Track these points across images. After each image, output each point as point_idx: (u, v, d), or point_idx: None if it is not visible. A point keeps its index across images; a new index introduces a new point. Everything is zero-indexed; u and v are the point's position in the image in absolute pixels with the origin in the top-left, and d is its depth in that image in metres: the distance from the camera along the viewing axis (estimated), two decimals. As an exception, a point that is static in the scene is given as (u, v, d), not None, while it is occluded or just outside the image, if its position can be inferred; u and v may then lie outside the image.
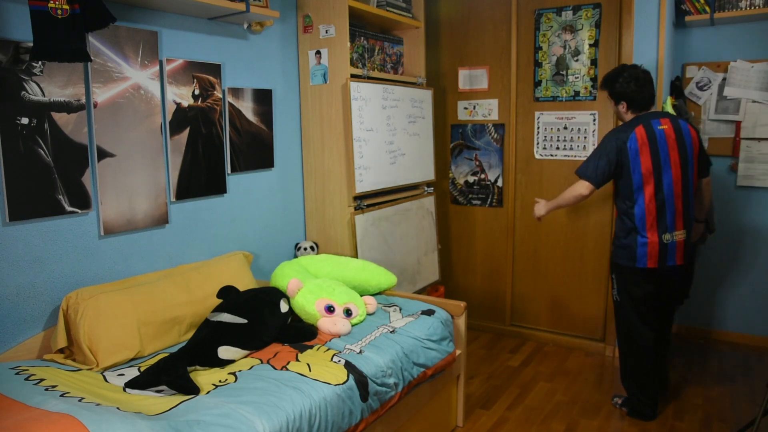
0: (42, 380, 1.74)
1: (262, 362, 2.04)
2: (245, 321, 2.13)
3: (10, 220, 1.95)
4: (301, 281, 2.40)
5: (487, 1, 3.68)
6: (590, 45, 3.36)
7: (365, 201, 3.09)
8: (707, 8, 3.30)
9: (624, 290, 2.64)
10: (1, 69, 1.89)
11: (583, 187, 2.61)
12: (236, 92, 2.75)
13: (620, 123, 2.69)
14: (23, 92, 1.95)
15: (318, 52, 3.02)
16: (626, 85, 2.56)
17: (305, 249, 3.11)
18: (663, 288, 2.66)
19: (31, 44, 1.84)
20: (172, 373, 1.84)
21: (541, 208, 2.85)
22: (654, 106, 2.63)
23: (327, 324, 2.28)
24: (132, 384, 1.83)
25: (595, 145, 3.41)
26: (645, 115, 2.57)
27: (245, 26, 2.80)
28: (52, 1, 1.79)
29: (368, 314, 2.48)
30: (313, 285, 2.41)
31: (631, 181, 2.52)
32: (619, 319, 2.71)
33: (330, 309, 2.32)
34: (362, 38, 3.21)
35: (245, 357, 2.10)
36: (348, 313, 2.35)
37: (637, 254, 2.53)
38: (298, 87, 3.15)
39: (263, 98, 2.90)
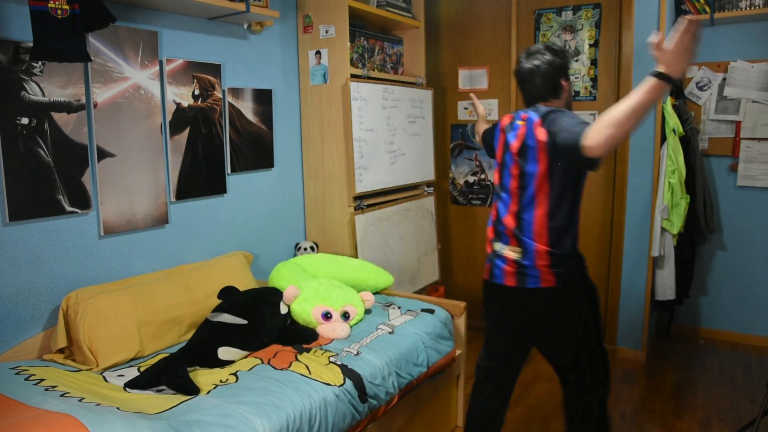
0: (42, 380, 1.74)
1: (262, 362, 2.04)
2: (245, 322, 2.13)
3: (10, 220, 1.95)
4: (297, 288, 2.37)
5: (487, 1, 3.67)
6: (590, 45, 3.36)
7: (365, 201, 3.09)
8: (707, 8, 3.30)
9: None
10: (1, 69, 1.88)
11: None
12: (236, 92, 2.75)
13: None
14: (23, 92, 1.95)
15: (318, 52, 3.02)
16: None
17: (305, 249, 3.11)
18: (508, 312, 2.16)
19: (31, 44, 1.83)
20: (172, 374, 1.84)
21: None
22: (542, 101, 1.93)
23: (326, 330, 2.28)
24: (132, 384, 1.83)
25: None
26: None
27: (245, 26, 2.80)
28: (52, 1, 1.79)
29: (366, 310, 2.48)
30: (310, 291, 2.39)
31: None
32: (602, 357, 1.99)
33: (327, 316, 2.31)
34: (362, 38, 3.21)
35: (245, 358, 2.10)
36: (345, 316, 2.34)
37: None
38: (298, 87, 3.15)
39: (263, 98, 2.90)
